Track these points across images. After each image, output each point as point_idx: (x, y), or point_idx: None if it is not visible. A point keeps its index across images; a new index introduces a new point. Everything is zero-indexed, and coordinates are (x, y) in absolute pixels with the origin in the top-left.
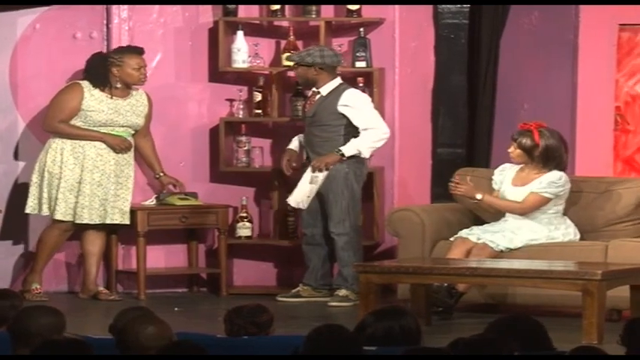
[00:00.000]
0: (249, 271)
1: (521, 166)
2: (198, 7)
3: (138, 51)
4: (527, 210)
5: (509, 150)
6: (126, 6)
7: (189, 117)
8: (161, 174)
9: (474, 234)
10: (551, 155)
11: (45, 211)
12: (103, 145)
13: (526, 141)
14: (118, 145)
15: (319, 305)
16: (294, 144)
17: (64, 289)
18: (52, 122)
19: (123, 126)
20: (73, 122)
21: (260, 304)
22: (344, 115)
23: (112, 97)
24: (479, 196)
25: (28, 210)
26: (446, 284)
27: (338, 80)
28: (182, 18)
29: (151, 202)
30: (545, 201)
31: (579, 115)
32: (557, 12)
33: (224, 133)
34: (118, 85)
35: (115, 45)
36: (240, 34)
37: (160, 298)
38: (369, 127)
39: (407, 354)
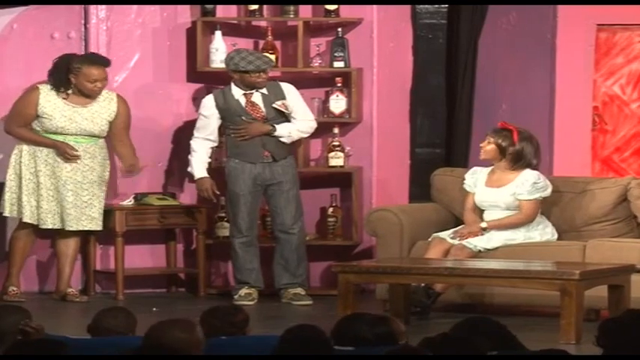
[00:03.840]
0: (228, 272)
1: (491, 167)
2: (177, 8)
3: (100, 62)
4: (531, 217)
5: (482, 144)
6: (104, 6)
7: (168, 117)
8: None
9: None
10: (522, 157)
11: (14, 213)
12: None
13: (503, 140)
14: (65, 153)
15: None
16: (203, 171)
17: (44, 290)
18: (9, 126)
19: (75, 134)
20: (33, 126)
21: (235, 304)
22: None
23: (66, 103)
24: (484, 225)
25: (5, 212)
26: (423, 284)
27: None
28: (160, 18)
29: (129, 202)
30: (541, 203)
31: (557, 115)
32: (535, 12)
33: None
34: (69, 92)
35: (92, 45)
36: (218, 34)
37: (139, 299)
38: (305, 118)
39: (390, 354)
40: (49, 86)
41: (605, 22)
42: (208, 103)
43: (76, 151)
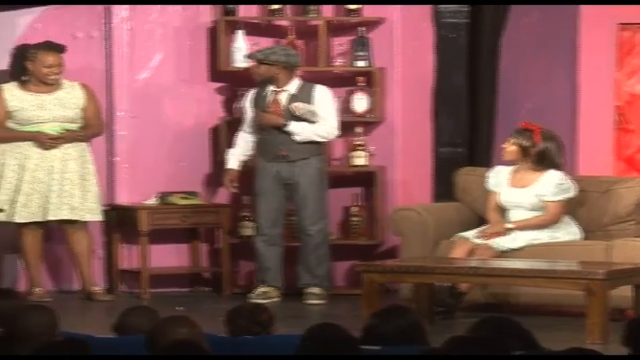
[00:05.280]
0: (253, 270)
1: (514, 167)
2: (199, 7)
3: (55, 48)
4: (557, 218)
5: (504, 145)
6: (126, 5)
7: (190, 117)
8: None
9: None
10: (546, 157)
11: None
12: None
13: (526, 140)
14: (44, 142)
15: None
16: (233, 163)
17: (63, 289)
18: None
19: (51, 121)
20: (10, 124)
21: (259, 303)
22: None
23: (31, 93)
24: (510, 225)
25: None
26: (447, 284)
27: (297, 79)
28: (182, 18)
29: (153, 201)
30: (566, 204)
31: (580, 115)
32: (557, 11)
33: (224, 133)
34: (24, 78)
35: (115, 45)
36: (240, 33)
37: (163, 298)
38: (327, 123)
39: (424, 354)
40: (10, 83)
41: (628, 21)
42: (248, 96)
43: (54, 137)
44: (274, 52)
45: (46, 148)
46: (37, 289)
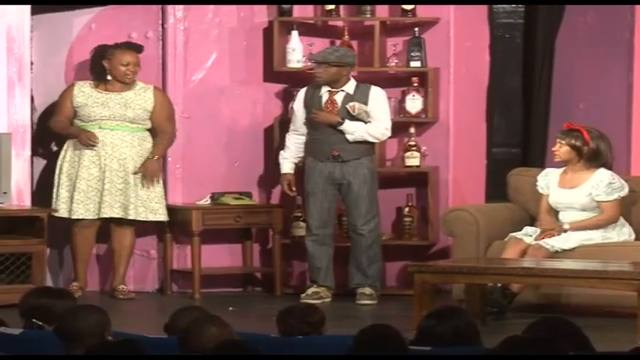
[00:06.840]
0: (304, 271)
1: (564, 168)
2: (253, 7)
3: (132, 47)
4: (613, 218)
5: (555, 147)
6: (181, 6)
7: (244, 117)
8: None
9: (529, 235)
10: (599, 155)
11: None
12: (99, 141)
13: (575, 140)
14: (83, 140)
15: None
16: (288, 167)
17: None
18: (51, 121)
19: (110, 119)
20: (76, 120)
21: (310, 304)
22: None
23: (100, 91)
24: (566, 227)
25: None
26: (500, 285)
27: (352, 79)
28: (237, 18)
29: (206, 201)
30: (621, 203)
31: (635, 115)
32: (612, 12)
33: (278, 133)
34: (109, 78)
35: (170, 45)
36: (294, 34)
37: (215, 298)
38: (380, 123)
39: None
40: (84, 81)
41: None
42: (299, 96)
43: (96, 139)
44: (345, 55)
45: (87, 146)
46: (74, 284)
